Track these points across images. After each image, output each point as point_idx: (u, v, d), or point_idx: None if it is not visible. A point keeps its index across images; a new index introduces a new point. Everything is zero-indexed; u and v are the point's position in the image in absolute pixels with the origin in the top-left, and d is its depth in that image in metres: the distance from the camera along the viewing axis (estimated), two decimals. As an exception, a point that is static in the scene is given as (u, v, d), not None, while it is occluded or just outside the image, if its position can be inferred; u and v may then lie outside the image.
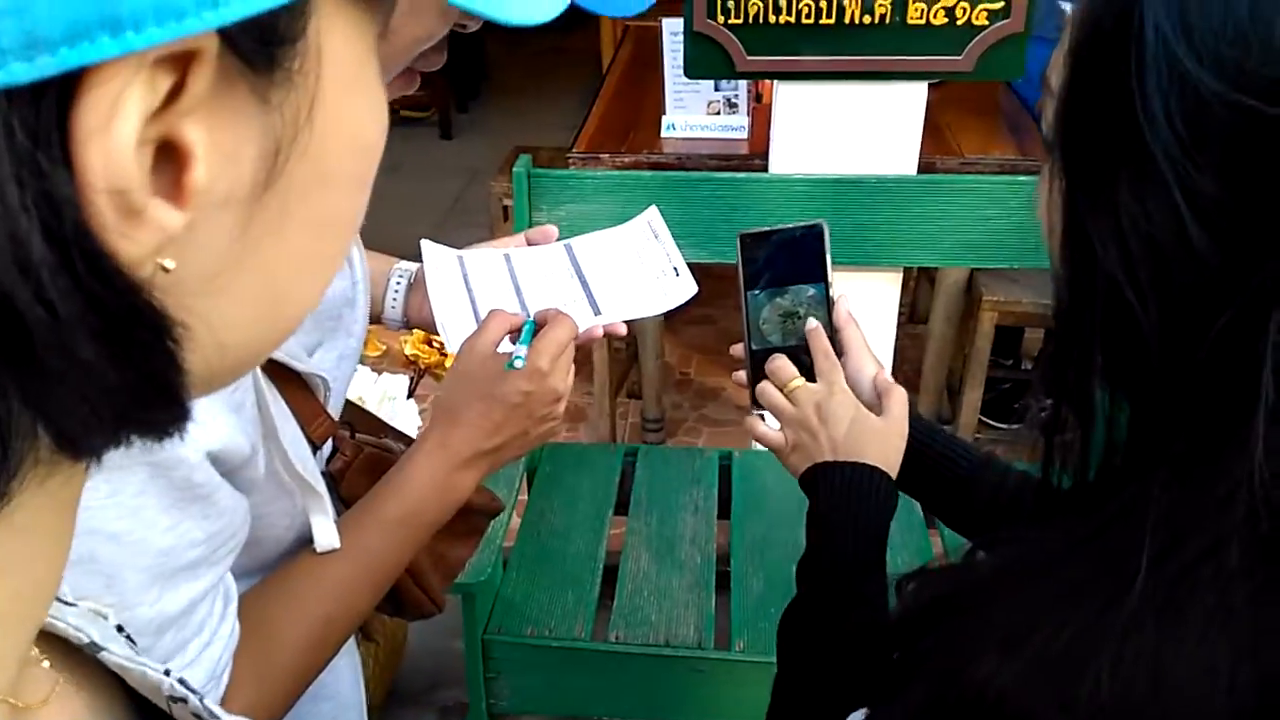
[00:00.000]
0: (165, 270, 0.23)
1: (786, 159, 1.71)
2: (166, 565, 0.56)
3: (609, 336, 0.92)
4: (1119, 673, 0.42)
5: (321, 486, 0.72)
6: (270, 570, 0.73)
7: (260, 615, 0.67)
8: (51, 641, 0.34)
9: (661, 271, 0.96)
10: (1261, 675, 0.41)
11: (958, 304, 2.37)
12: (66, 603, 0.39)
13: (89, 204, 0.20)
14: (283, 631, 0.69)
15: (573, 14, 0.54)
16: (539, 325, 0.82)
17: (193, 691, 0.34)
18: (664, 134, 2.16)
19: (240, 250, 0.26)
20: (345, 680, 0.85)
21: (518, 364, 0.78)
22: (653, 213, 1.00)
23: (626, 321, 0.92)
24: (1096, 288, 0.46)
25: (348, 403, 0.90)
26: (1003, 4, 1.44)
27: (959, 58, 1.49)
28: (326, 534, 0.72)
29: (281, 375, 0.70)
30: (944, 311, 2.38)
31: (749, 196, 1.69)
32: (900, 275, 1.81)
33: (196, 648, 0.59)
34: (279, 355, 0.68)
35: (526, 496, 1.79)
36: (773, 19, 1.56)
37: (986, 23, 1.45)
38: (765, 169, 1.75)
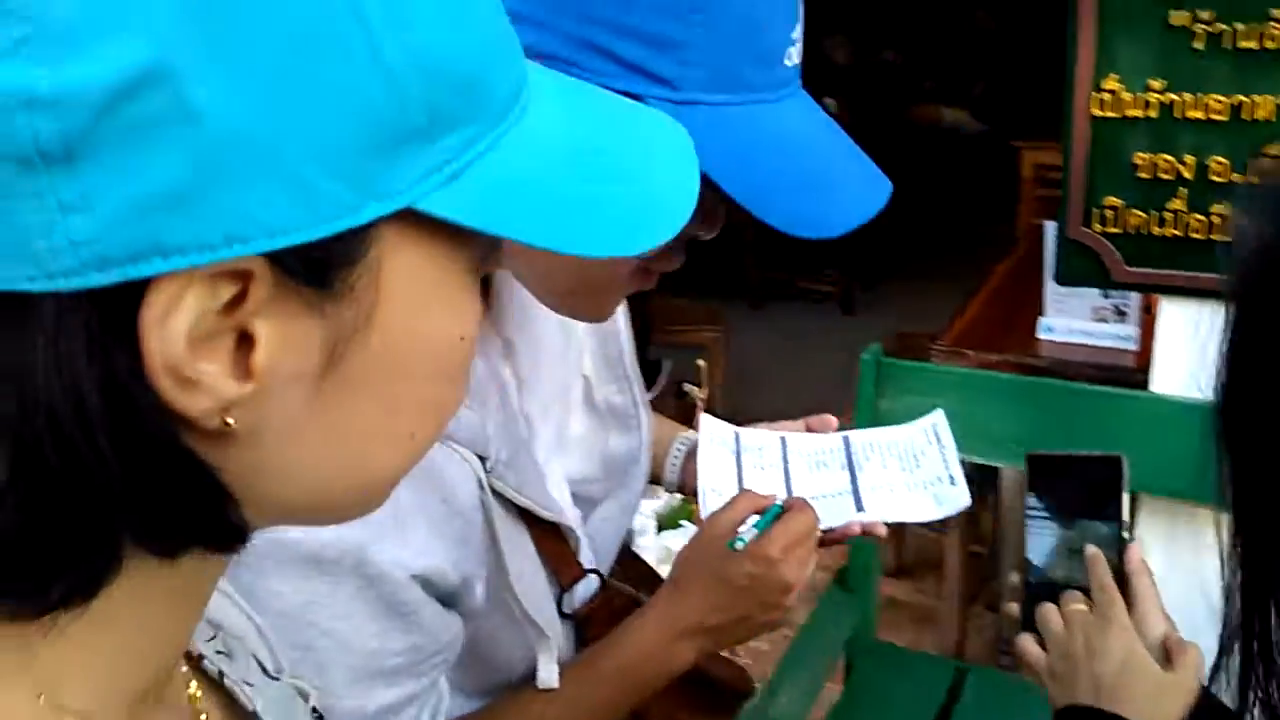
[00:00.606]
0: (228, 425, 0.30)
1: (1169, 379, 1.53)
2: (371, 666, 0.63)
3: (869, 535, 0.89)
4: None
5: (554, 628, 0.77)
6: (498, 694, 0.80)
7: None
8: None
9: (937, 478, 0.92)
10: None
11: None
12: (272, 676, 0.49)
13: (152, 374, 0.28)
14: None
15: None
16: (784, 511, 0.82)
17: None
18: (1040, 335, 2.04)
19: (309, 415, 0.33)
20: None
21: (738, 545, 0.79)
22: (938, 416, 0.98)
23: (900, 525, 0.91)
24: None
25: (626, 550, 0.96)
26: None
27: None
28: (548, 673, 0.76)
29: (534, 522, 0.76)
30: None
31: (1120, 415, 1.53)
32: None
33: None
34: (527, 503, 0.74)
35: (840, 688, 1.70)
36: (1156, 230, 1.44)
37: None
38: (1145, 385, 1.59)
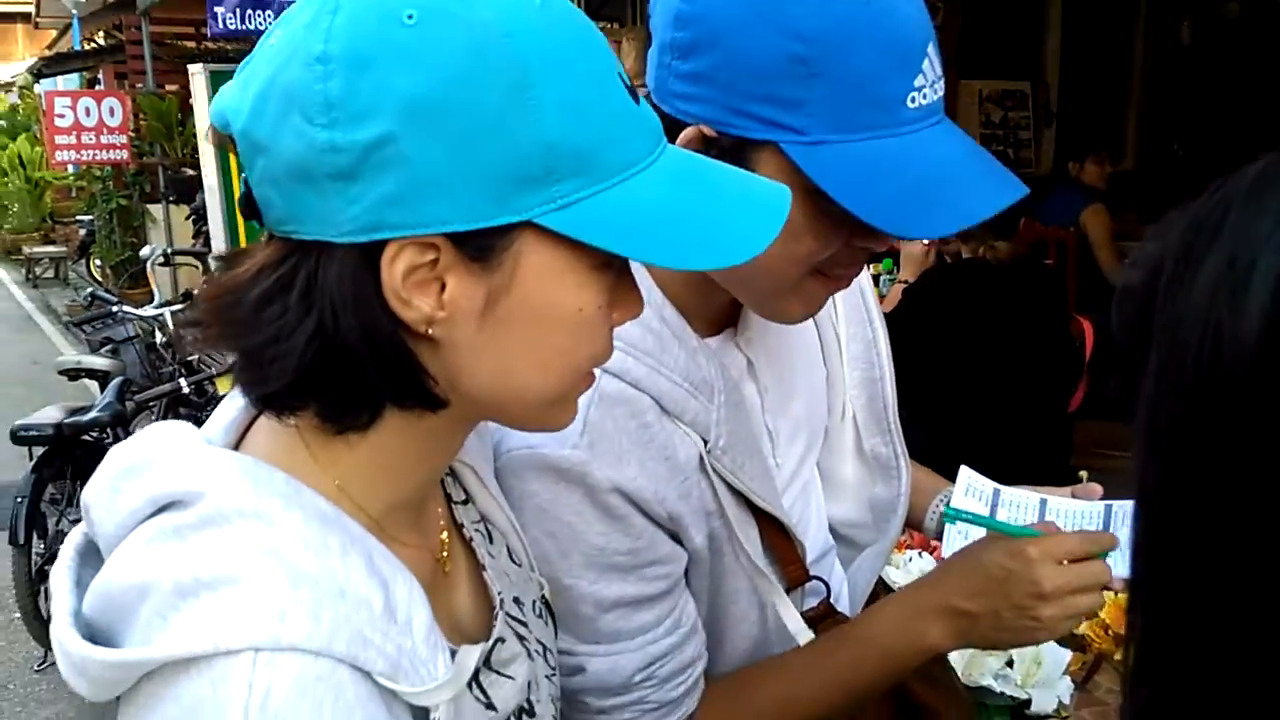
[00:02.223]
0: (430, 334, 0.54)
1: None
2: (600, 559, 0.80)
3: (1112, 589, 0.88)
4: None
5: (776, 580, 0.87)
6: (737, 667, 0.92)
7: (738, 676, 0.90)
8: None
9: None
10: None
11: None
12: (514, 561, 0.73)
13: (385, 293, 0.52)
14: (751, 687, 0.89)
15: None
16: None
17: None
18: None
19: (478, 338, 0.55)
20: None
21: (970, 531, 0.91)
22: None
23: None
24: None
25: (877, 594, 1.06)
26: None
27: None
28: (794, 622, 0.88)
29: (761, 517, 0.87)
30: None
31: None
32: None
33: (637, 644, 0.82)
34: (743, 486, 0.85)
35: None
36: None
37: None
38: None
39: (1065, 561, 0.81)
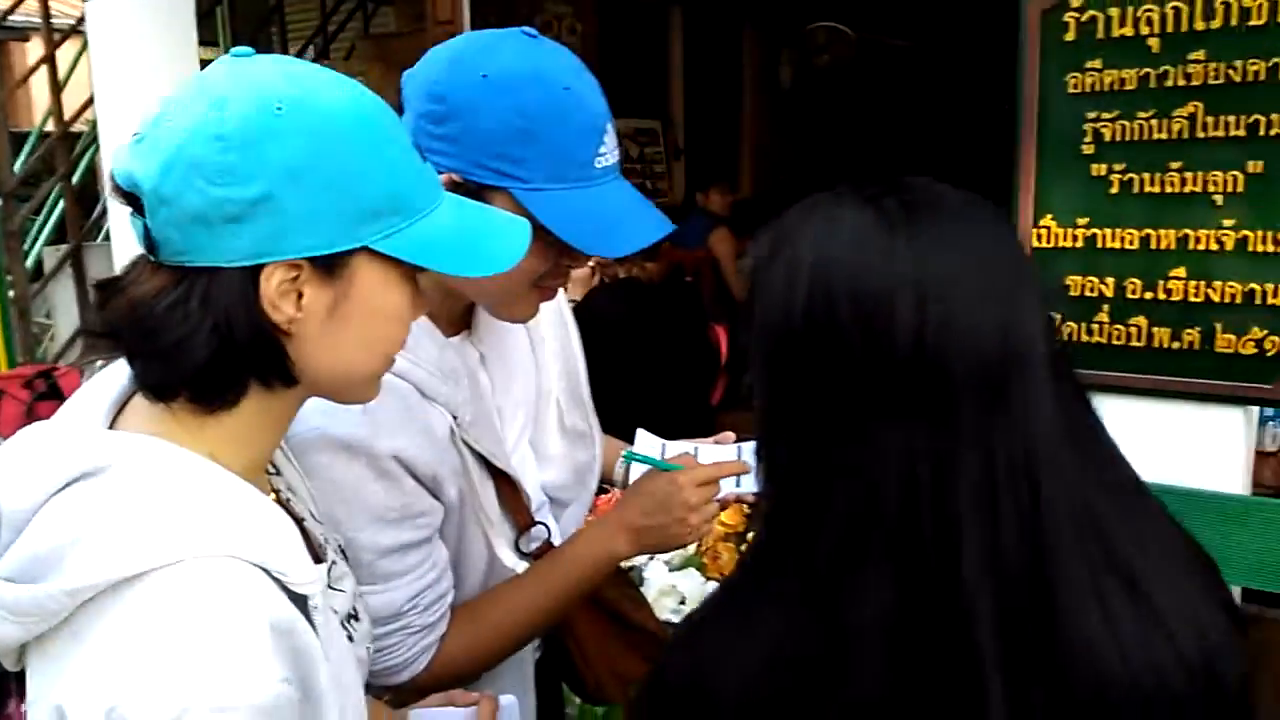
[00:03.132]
0: (290, 329, 0.73)
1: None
2: (378, 514, 1.01)
3: (742, 501, 1.28)
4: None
5: (511, 560, 1.14)
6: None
7: (472, 606, 1.12)
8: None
9: None
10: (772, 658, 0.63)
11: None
12: (319, 521, 0.90)
13: (264, 304, 0.71)
14: (487, 606, 1.13)
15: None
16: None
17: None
18: None
19: (324, 331, 0.74)
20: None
21: (656, 464, 1.20)
22: None
23: None
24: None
25: None
26: (1319, 340, 1.57)
27: (1270, 386, 1.61)
28: (510, 558, 1.14)
29: (497, 475, 1.13)
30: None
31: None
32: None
33: (404, 581, 1.04)
34: (486, 452, 1.10)
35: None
36: (1084, 338, 1.75)
37: (1302, 356, 1.59)
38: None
39: (705, 485, 1.12)
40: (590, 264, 3.34)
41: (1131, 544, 0.65)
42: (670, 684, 0.68)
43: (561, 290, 1.28)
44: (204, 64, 0.85)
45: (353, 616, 0.85)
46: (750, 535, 1.62)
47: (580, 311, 3.04)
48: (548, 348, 1.29)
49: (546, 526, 1.20)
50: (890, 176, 0.70)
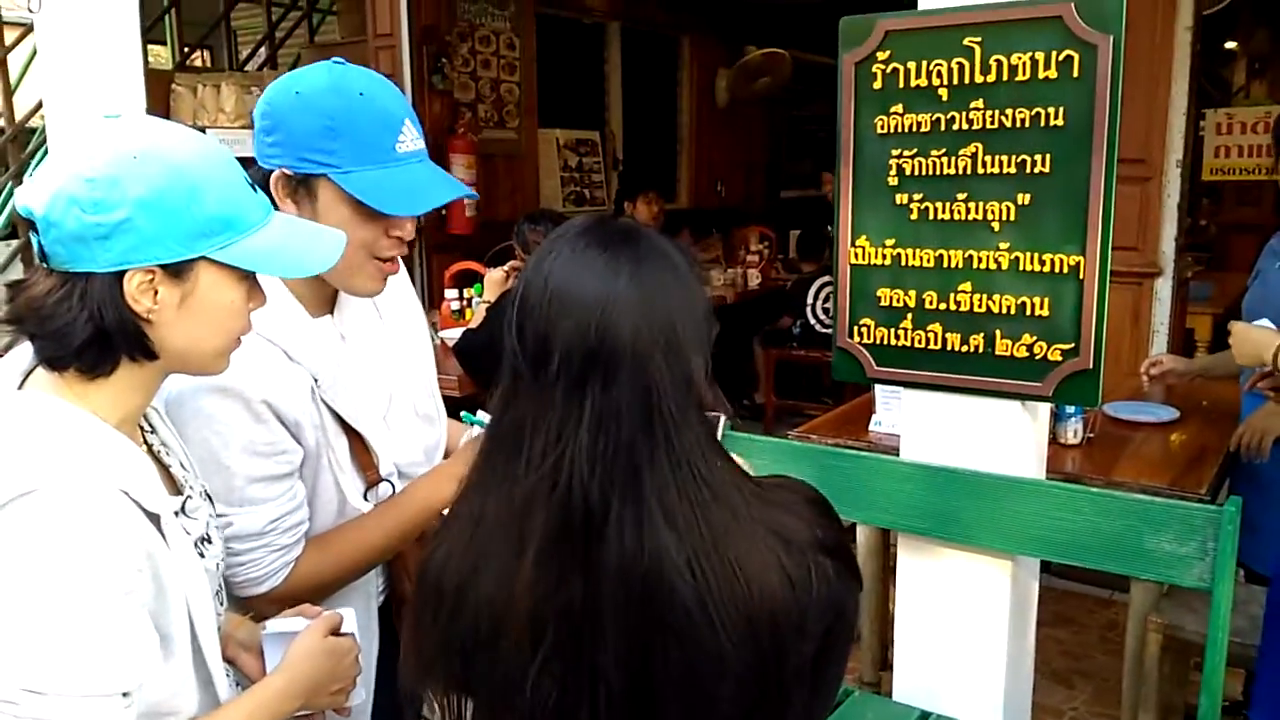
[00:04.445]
0: (149, 318, 1.03)
1: (914, 449, 2.12)
2: (250, 447, 1.28)
3: None
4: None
5: (355, 478, 1.44)
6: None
7: (323, 536, 1.40)
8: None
9: None
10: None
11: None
12: (185, 469, 1.19)
13: (127, 299, 1.00)
14: (334, 537, 1.40)
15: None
16: None
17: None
18: (871, 428, 2.93)
19: (176, 319, 1.04)
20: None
21: (473, 423, 1.51)
22: None
23: None
24: None
25: None
26: (1073, 345, 1.86)
27: (1040, 384, 1.91)
28: (358, 502, 1.44)
29: (350, 434, 1.41)
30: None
31: (880, 473, 2.10)
32: (1009, 564, 2.03)
33: (268, 505, 1.31)
34: (341, 409, 1.39)
35: None
36: (893, 341, 2.04)
37: (1060, 359, 1.88)
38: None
39: None
40: (506, 268, 3.61)
41: (670, 489, 0.89)
42: (418, 568, 0.96)
43: (410, 286, 1.60)
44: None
45: (206, 540, 1.11)
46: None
47: (494, 310, 3.31)
48: (401, 339, 1.58)
49: (392, 484, 1.49)
50: (597, 219, 0.97)
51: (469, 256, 4.94)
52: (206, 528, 1.14)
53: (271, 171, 1.32)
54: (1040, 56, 1.84)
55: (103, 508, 0.94)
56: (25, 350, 1.04)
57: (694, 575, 0.85)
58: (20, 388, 1.02)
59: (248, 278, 1.07)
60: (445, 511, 1.59)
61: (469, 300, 4.44)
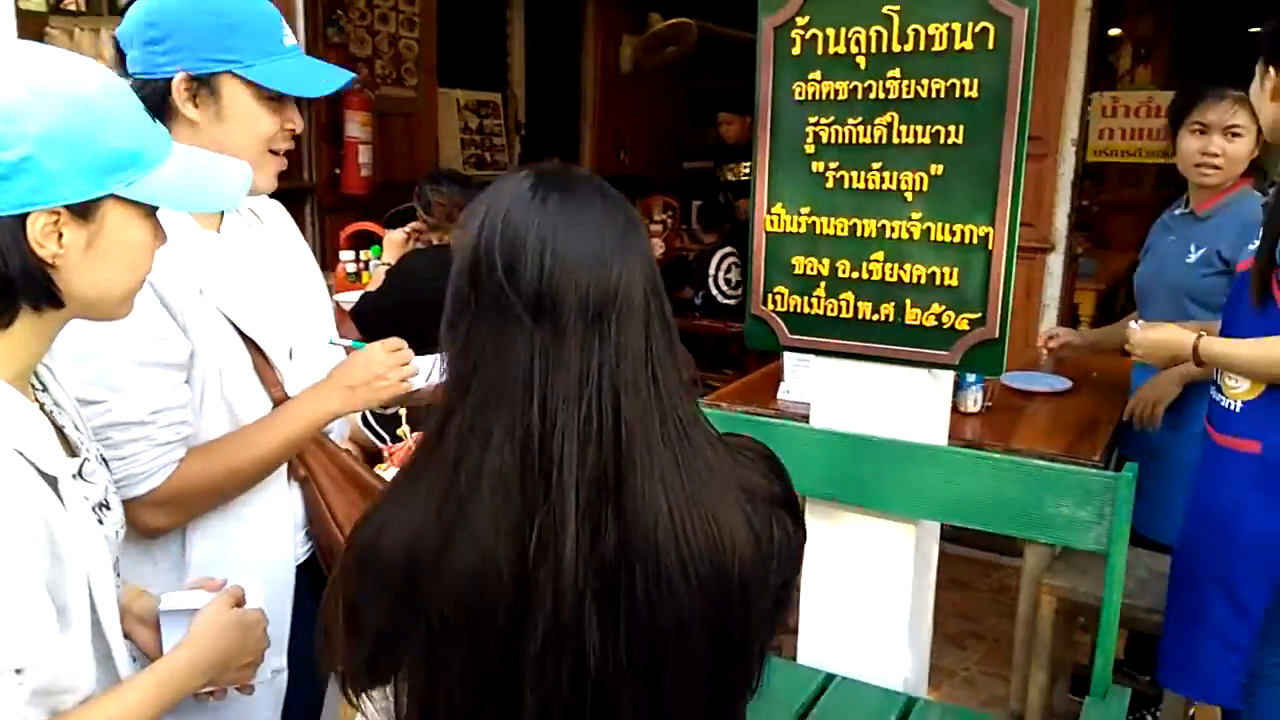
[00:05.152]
0: (55, 263, 0.94)
1: (823, 416, 2.13)
2: (134, 328, 1.22)
3: None
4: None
5: (261, 393, 1.43)
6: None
7: (210, 442, 1.37)
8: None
9: None
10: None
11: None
12: (79, 430, 1.12)
13: (31, 244, 0.92)
14: (219, 442, 1.37)
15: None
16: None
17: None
18: (780, 396, 2.95)
19: (83, 263, 0.96)
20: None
21: (341, 344, 1.57)
22: None
23: None
24: None
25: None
26: (980, 314, 1.90)
27: (947, 353, 1.94)
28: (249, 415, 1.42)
29: (254, 350, 1.41)
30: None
31: (793, 440, 2.10)
32: (913, 528, 2.08)
33: (149, 392, 1.28)
34: (257, 338, 1.40)
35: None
36: (806, 310, 2.05)
37: (968, 328, 1.91)
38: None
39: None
40: (406, 229, 3.51)
41: (685, 449, 0.90)
42: (355, 549, 0.90)
43: (297, 230, 1.57)
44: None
45: (104, 506, 1.03)
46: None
47: (392, 277, 3.22)
48: (295, 274, 1.59)
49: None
50: (553, 166, 0.95)
51: (365, 217, 4.79)
52: (105, 493, 1.06)
53: (158, 84, 1.32)
54: (957, 27, 1.86)
55: None
56: None
57: (674, 526, 0.85)
58: None
59: (151, 214, 1.00)
60: (383, 475, 1.55)
61: (365, 263, 4.31)
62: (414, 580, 0.84)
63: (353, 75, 1.47)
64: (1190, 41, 7.10)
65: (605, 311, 0.86)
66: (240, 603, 1.15)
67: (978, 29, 1.85)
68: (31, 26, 4.63)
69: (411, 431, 2.33)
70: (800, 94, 2.01)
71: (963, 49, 1.86)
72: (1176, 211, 2.70)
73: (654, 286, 0.91)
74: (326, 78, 1.41)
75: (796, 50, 2.00)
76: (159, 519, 1.30)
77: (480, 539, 0.83)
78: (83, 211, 0.93)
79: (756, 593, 0.90)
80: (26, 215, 0.90)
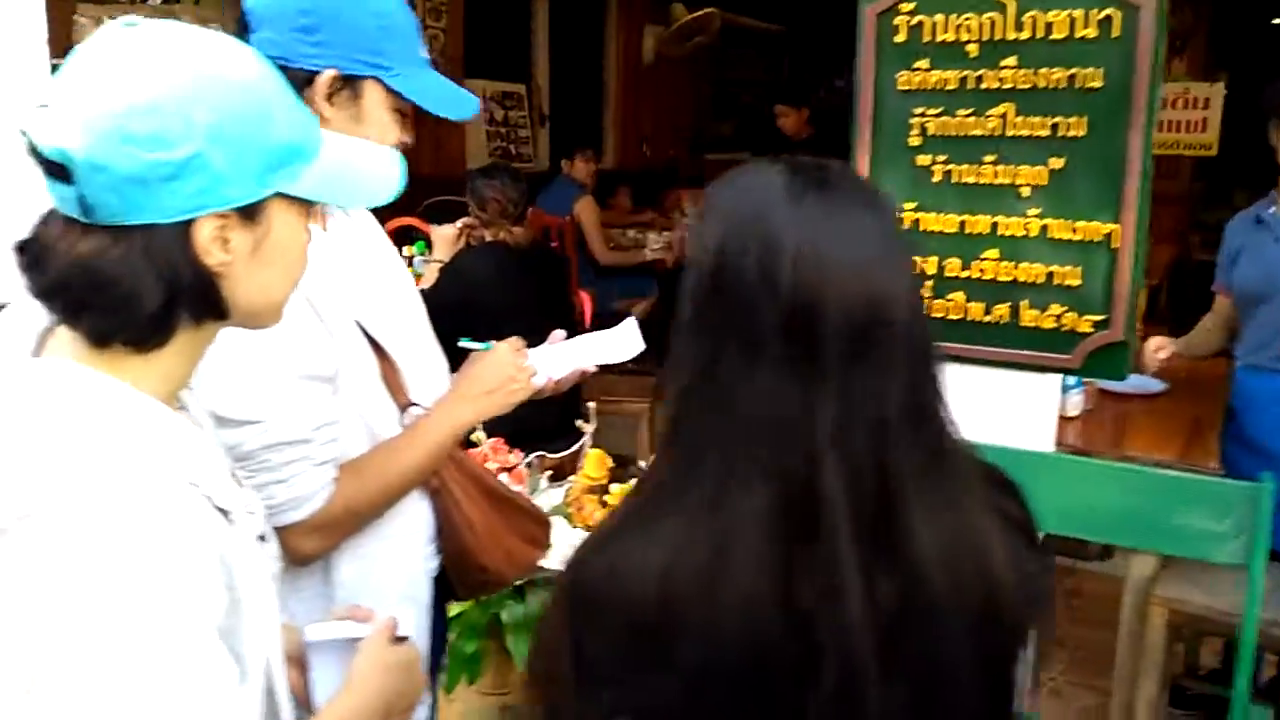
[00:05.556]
0: (221, 272, 0.82)
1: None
2: (293, 341, 1.14)
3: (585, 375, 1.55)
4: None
5: (388, 401, 1.32)
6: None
7: (354, 460, 1.26)
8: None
9: (622, 344, 1.57)
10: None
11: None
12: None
13: (196, 248, 0.80)
14: (366, 459, 1.27)
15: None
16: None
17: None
18: None
19: (248, 270, 0.84)
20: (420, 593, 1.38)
21: (474, 345, 1.46)
22: (630, 321, 1.60)
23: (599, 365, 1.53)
24: None
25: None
26: (1105, 316, 1.81)
27: (1069, 356, 1.85)
28: (387, 429, 1.31)
29: (381, 355, 1.30)
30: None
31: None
32: None
33: (309, 408, 1.17)
34: (383, 341, 1.29)
35: None
36: (912, 311, 1.95)
37: (1091, 330, 1.82)
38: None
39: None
40: (458, 225, 3.41)
41: (950, 482, 0.80)
42: (588, 585, 0.79)
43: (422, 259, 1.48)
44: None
45: (262, 538, 0.94)
46: (612, 488, 1.77)
47: (446, 274, 3.12)
48: (395, 275, 1.46)
49: (424, 410, 1.36)
50: (805, 159, 0.82)
51: (397, 213, 4.70)
52: (262, 525, 0.96)
53: (298, 74, 1.18)
54: (1079, 14, 1.76)
55: (178, 507, 0.76)
56: (26, 315, 0.83)
57: (948, 566, 0.76)
58: (36, 355, 0.82)
59: (307, 211, 0.90)
60: (597, 510, 1.43)
61: (409, 258, 4.22)
62: (666, 628, 0.74)
63: (478, 105, 1.36)
64: (1226, 33, 6.99)
65: (873, 331, 0.75)
66: (396, 636, 1.05)
67: (1101, 16, 1.75)
68: (59, 11, 4.53)
69: (488, 437, 2.24)
70: (905, 83, 1.91)
71: (1084, 37, 1.76)
72: (1271, 210, 2.58)
73: (918, 299, 0.81)
74: (464, 100, 1.30)
75: (901, 37, 1.90)
76: (313, 544, 1.20)
77: (743, 586, 0.73)
78: (250, 213, 0.82)
79: (1021, 632, 0.81)
80: (193, 221, 0.79)
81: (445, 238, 3.31)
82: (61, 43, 3.83)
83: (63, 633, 0.71)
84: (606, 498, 2.19)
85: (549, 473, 2.43)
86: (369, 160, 0.94)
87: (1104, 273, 1.79)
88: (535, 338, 1.51)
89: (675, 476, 0.79)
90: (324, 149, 0.88)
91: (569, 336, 1.54)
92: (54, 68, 2.85)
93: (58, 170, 0.76)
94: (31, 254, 0.79)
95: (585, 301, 4.03)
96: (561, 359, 1.50)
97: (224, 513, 0.82)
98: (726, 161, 7.88)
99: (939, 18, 1.86)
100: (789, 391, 0.75)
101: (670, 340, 0.81)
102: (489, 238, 3.19)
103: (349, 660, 1.00)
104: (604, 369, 1.56)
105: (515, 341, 1.43)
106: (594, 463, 2.33)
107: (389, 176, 0.94)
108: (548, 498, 2.21)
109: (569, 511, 2.19)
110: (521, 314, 2.98)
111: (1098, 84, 1.76)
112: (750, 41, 8.32)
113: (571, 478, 2.32)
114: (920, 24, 1.88)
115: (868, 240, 0.78)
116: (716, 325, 0.78)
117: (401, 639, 1.04)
